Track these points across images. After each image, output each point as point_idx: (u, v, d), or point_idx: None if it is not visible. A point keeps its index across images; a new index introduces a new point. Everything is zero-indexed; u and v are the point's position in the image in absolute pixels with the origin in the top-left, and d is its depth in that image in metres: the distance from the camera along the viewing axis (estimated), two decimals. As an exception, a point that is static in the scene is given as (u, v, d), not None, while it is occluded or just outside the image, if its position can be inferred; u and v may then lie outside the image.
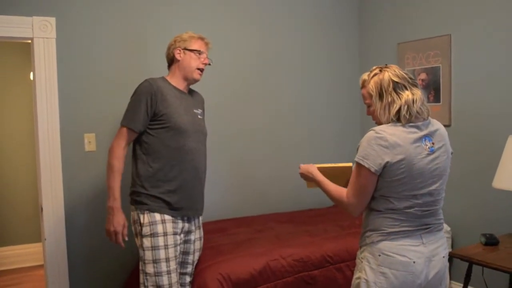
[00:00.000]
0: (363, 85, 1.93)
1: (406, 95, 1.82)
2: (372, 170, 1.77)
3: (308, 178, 2.13)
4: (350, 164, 2.10)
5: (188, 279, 2.59)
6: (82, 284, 3.13)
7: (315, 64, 4.05)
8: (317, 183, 2.06)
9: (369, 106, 1.92)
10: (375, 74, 1.88)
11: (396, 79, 1.84)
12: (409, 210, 1.81)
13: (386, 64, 1.92)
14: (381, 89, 1.84)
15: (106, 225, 2.42)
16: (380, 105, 1.85)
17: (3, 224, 4.60)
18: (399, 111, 1.81)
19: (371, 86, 1.87)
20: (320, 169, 2.10)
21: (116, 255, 3.20)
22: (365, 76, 1.93)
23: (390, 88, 1.83)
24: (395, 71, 1.86)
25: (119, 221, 2.39)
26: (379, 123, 1.90)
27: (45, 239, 3.00)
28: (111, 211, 2.39)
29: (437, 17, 3.53)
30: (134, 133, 2.42)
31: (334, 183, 1.99)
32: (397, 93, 1.82)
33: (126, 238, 2.43)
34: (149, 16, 3.31)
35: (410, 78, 1.87)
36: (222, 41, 3.47)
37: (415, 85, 1.87)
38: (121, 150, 2.41)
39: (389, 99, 1.83)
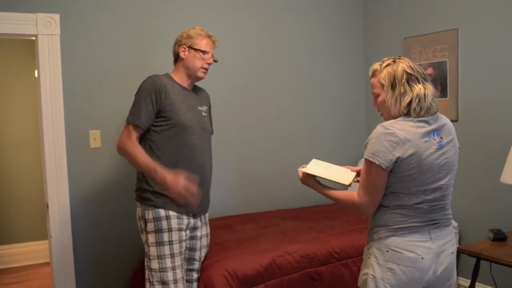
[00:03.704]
0: (374, 74, 1.90)
1: (419, 88, 1.80)
2: (383, 166, 1.75)
3: (308, 186, 2.09)
4: (347, 183, 2.03)
5: (195, 275, 2.58)
6: (88, 280, 3.14)
7: (319, 59, 4.02)
8: (320, 193, 2.02)
9: (376, 96, 1.89)
10: (388, 65, 1.85)
11: (410, 71, 1.82)
12: (418, 206, 1.79)
13: (399, 56, 1.90)
14: (394, 79, 1.82)
15: (170, 194, 2.28)
16: (392, 95, 1.82)
17: (10, 222, 4.62)
18: (410, 103, 1.79)
19: (384, 75, 1.84)
20: (315, 177, 2.06)
21: (122, 251, 3.21)
22: (376, 65, 1.90)
23: (404, 80, 1.80)
24: (409, 63, 1.84)
25: (175, 182, 2.25)
26: (386, 114, 1.88)
27: (51, 236, 3.00)
28: (164, 180, 2.26)
29: (444, 11, 3.49)
30: (140, 130, 2.41)
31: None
32: (410, 85, 1.80)
33: (196, 187, 2.30)
34: (154, 12, 3.30)
35: (423, 73, 1.85)
36: (226, 37, 3.45)
37: (427, 80, 1.85)
38: (131, 141, 2.36)
39: (401, 90, 1.80)
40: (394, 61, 1.85)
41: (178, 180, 2.27)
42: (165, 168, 2.29)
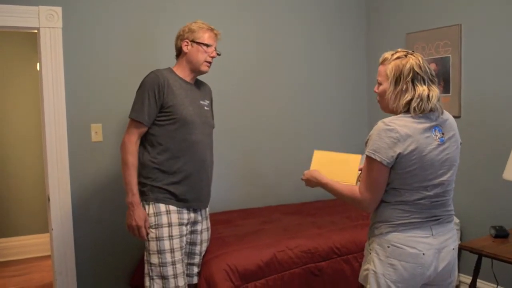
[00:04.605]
0: (383, 62, 1.88)
1: (422, 89, 1.77)
2: (385, 163, 1.74)
3: (312, 184, 2.08)
4: (356, 156, 2.03)
5: (195, 269, 2.59)
6: (89, 274, 3.14)
7: (322, 55, 4.01)
8: (323, 186, 2.00)
9: (379, 83, 1.88)
10: (399, 58, 1.83)
11: (417, 70, 1.79)
12: (419, 202, 1.78)
13: (413, 51, 1.87)
14: (400, 74, 1.80)
15: (127, 220, 2.39)
16: (393, 90, 1.81)
17: (11, 214, 4.63)
18: (409, 102, 1.78)
19: (391, 67, 1.82)
20: (320, 155, 2.05)
21: (123, 245, 3.21)
22: (387, 54, 1.87)
23: (409, 78, 1.78)
24: (419, 61, 1.81)
25: (140, 215, 2.37)
26: (383, 104, 1.88)
27: (52, 229, 3.01)
28: (131, 206, 2.37)
29: (447, 6, 3.47)
30: (144, 126, 2.40)
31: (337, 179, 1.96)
32: (414, 85, 1.78)
33: (149, 232, 2.40)
34: (157, 6, 3.29)
35: (431, 74, 1.82)
36: (229, 33, 3.43)
37: (434, 83, 1.82)
38: (133, 145, 2.39)
39: (404, 87, 1.79)
40: (405, 55, 1.83)
41: (140, 217, 2.36)
42: (140, 204, 2.39)
